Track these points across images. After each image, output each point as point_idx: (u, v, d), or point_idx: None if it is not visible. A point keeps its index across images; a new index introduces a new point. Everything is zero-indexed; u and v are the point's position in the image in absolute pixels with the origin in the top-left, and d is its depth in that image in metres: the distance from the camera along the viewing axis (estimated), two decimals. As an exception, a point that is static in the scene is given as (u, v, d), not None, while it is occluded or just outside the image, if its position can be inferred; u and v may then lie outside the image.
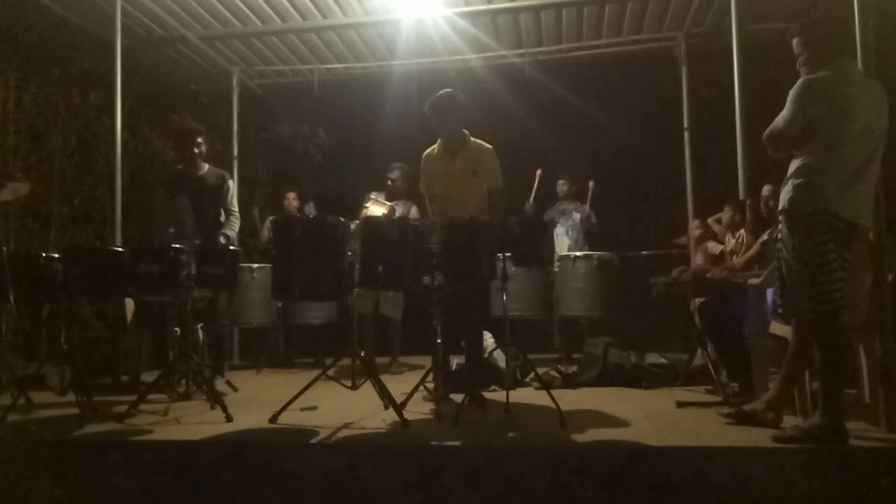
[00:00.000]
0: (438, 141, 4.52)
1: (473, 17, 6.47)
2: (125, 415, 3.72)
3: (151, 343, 5.09)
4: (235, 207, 4.98)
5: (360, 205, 6.19)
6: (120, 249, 4.18)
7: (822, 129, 3.00)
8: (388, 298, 6.01)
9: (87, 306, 5.50)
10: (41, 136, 6.48)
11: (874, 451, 2.86)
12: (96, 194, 6.74)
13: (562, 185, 7.20)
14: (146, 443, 3.27)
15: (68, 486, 3.12)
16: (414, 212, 5.98)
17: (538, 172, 6.99)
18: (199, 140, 4.84)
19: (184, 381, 4.34)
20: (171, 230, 4.60)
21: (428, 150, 4.58)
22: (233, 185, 5.00)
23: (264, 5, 6.25)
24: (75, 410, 3.78)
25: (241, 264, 5.53)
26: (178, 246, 3.97)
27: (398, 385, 4.31)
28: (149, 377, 4.74)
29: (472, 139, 4.46)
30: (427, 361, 4.35)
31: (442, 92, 4.42)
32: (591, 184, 7.16)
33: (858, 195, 3.00)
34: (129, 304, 5.17)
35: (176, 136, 5.02)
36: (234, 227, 4.90)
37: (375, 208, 5.71)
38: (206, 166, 4.95)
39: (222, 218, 4.87)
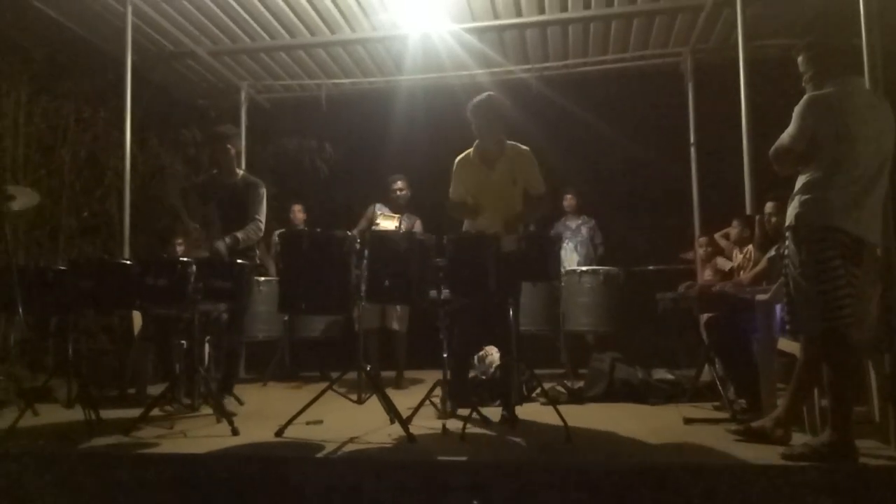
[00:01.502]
0: (474, 146, 4.35)
1: (480, 32, 6.51)
2: (131, 428, 3.71)
3: (158, 356, 5.09)
4: (260, 215, 4.82)
5: (362, 215, 6.22)
6: (127, 262, 4.19)
7: (828, 146, 3.00)
8: (393, 311, 6.01)
9: (94, 319, 5.52)
10: (51, 149, 6.53)
11: (884, 469, 2.84)
12: (105, 207, 6.78)
13: (568, 200, 7.19)
14: (152, 456, 3.27)
15: (74, 498, 3.11)
16: (418, 226, 5.99)
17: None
18: (228, 145, 4.83)
19: (190, 394, 4.34)
20: (194, 225, 4.66)
21: (462, 156, 4.39)
22: (263, 193, 4.88)
23: (273, 21, 6.30)
24: (82, 423, 3.79)
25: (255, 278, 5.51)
26: (185, 259, 3.98)
27: (404, 399, 4.30)
28: (155, 390, 4.75)
29: (510, 142, 4.31)
30: (433, 376, 4.34)
31: (485, 95, 4.28)
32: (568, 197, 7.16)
33: (866, 211, 2.99)
34: (136, 317, 5.19)
35: (209, 141, 5.01)
36: (248, 232, 4.73)
37: (386, 223, 5.72)
38: (240, 172, 4.93)
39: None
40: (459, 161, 4.40)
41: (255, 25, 6.39)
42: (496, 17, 6.30)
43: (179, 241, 5.70)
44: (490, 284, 3.70)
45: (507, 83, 7.51)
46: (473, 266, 3.74)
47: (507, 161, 4.27)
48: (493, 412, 4.07)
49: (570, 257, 6.93)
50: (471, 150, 4.37)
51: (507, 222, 4.18)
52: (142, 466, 3.20)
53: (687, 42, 6.83)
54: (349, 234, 3.80)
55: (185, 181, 6.91)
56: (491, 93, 4.33)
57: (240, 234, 4.66)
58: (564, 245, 6.81)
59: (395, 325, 6.04)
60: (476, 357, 4.91)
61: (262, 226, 4.88)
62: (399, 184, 6.15)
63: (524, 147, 4.30)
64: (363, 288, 3.71)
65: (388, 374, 6.05)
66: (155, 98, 7.07)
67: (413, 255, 3.73)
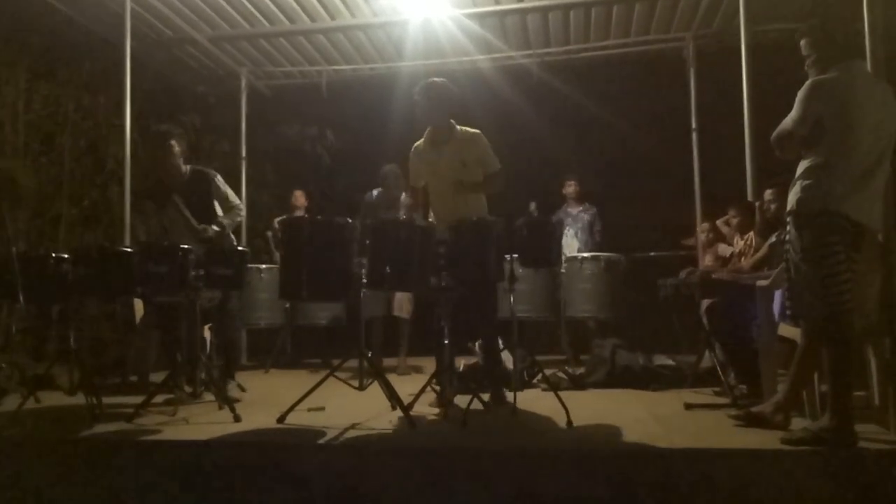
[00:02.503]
0: (426, 132, 4.39)
1: (481, 17, 6.48)
2: (134, 415, 3.73)
3: (160, 343, 5.11)
4: (234, 199, 4.78)
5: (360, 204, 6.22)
6: (128, 250, 4.19)
7: (831, 131, 2.99)
8: (397, 299, 6.02)
9: (95, 307, 5.53)
10: (51, 136, 6.52)
11: (883, 453, 2.85)
12: (106, 195, 6.77)
13: (569, 187, 7.16)
14: (155, 443, 3.28)
15: (77, 485, 3.13)
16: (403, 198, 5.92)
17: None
18: (172, 142, 4.59)
19: (192, 382, 4.35)
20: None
21: (416, 143, 4.45)
22: (220, 181, 4.74)
23: (272, 6, 6.27)
24: (84, 410, 3.81)
25: (250, 265, 5.52)
26: (186, 246, 3.98)
27: (405, 386, 4.31)
28: (157, 377, 4.77)
29: (459, 127, 4.31)
30: (434, 362, 4.35)
31: (433, 80, 4.31)
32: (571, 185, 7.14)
33: (867, 196, 2.98)
34: (138, 305, 5.20)
35: (150, 143, 4.82)
36: (234, 217, 4.71)
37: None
38: (186, 168, 4.70)
39: (219, 214, 4.68)
40: (413, 148, 4.45)
41: (254, 11, 6.35)
42: (497, 2, 6.26)
43: None
44: (490, 271, 3.72)
45: (509, 69, 7.48)
46: (470, 252, 3.75)
47: (455, 144, 4.28)
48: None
49: (571, 244, 6.92)
50: (423, 137, 4.41)
51: (458, 188, 4.21)
52: (144, 453, 3.22)
53: (689, 27, 6.78)
54: (350, 220, 3.79)
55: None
56: (443, 79, 4.34)
57: (224, 220, 4.64)
58: (565, 232, 6.79)
59: (401, 313, 6.05)
60: (477, 344, 4.91)
61: (242, 208, 4.86)
62: (387, 171, 6.14)
63: (474, 130, 4.32)
64: (365, 275, 3.72)
65: (391, 361, 6.07)
66: (155, 85, 7.05)
67: (414, 242, 3.73)
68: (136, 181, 5.83)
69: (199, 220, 4.55)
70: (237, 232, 5.01)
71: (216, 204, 4.69)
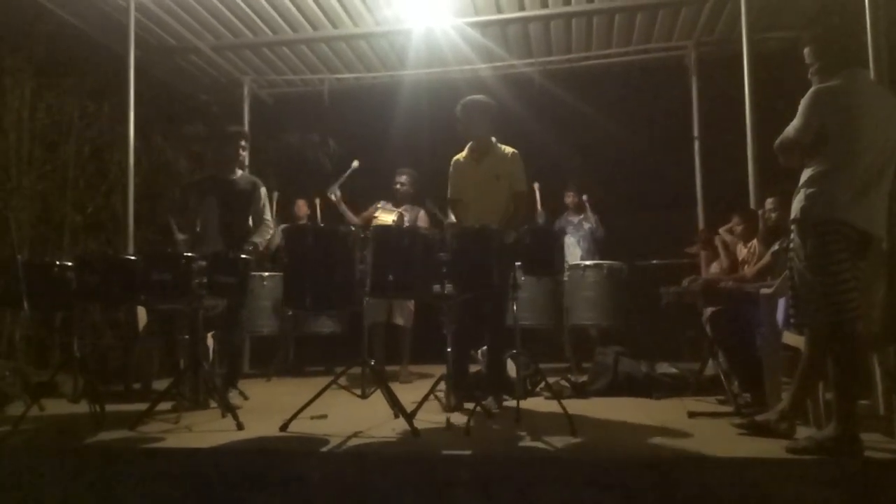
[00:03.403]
0: (467, 146, 4.58)
1: (483, 26, 6.50)
2: (137, 423, 3.72)
3: (163, 351, 5.11)
4: (268, 215, 4.95)
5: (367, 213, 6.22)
6: (132, 257, 4.20)
7: (834, 138, 2.99)
8: (399, 306, 6.02)
9: (99, 314, 5.54)
10: (55, 145, 6.55)
11: (888, 462, 2.84)
12: (109, 203, 6.79)
13: (569, 197, 7.18)
14: (158, 450, 3.28)
15: (80, 493, 3.13)
16: (422, 216, 5.99)
17: (535, 185, 6.97)
18: (242, 143, 4.86)
19: (195, 389, 4.35)
20: (182, 237, 4.64)
21: (456, 157, 4.62)
22: (265, 193, 4.97)
23: (275, 15, 6.30)
24: (87, 418, 3.80)
25: (253, 273, 5.53)
26: (190, 254, 3.99)
27: (408, 394, 4.30)
28: (160, 385, 4.77)
29: (498, 144, 4.53)
30: (438, 370, 4.35)
31: (475, 96, 4.50)
32: (584, 197, 7.13)
33: (871, 204, 2.98)
34: (141, 313, 5.21)
35: (219, 138, 5.01)
36: (264, 235, 4.88)
37: (385, 216, 5.72)
38: (239, 172, 4.95)
39: (250, 223, 4.83)
40: (454, 161, 4.62)
41: (257, 20, 6.39)
42: (499, 11, 6.29)
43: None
44: (493, 278, 3.72)
45: (510, 77, 7.50)
46: (473, 260, 3.75)
47: (493, 158, 4.48)
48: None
49: (573, 252, 6.93)
50: (464, 150, 4.59)
51: (516, 208, 4.41)
52: (147, 461, 3.22)
53: (691, 35, 6.81)
54: (353, 228, 3.80)
55: (188, 177, 6.90)
56: (483, 96, 4.53)
57: (257, 239, 4.78)
58: (567, 240, 6.80)
59: (400, 320, 6.05)
60: (479, 351, 4.91)
61: (272, 226, 4.98)
62: (402, 178, 6.14)
63: (511, 149, 4.53)
64: (368, 283, 3.72)
65: (393, 368, 6.06)
66: (158, 93, 7.08)
67: (417, 249, 3.73)
68: (138, 188, 5.85)
69: (232, 224, 4.71)
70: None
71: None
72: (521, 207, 4.49)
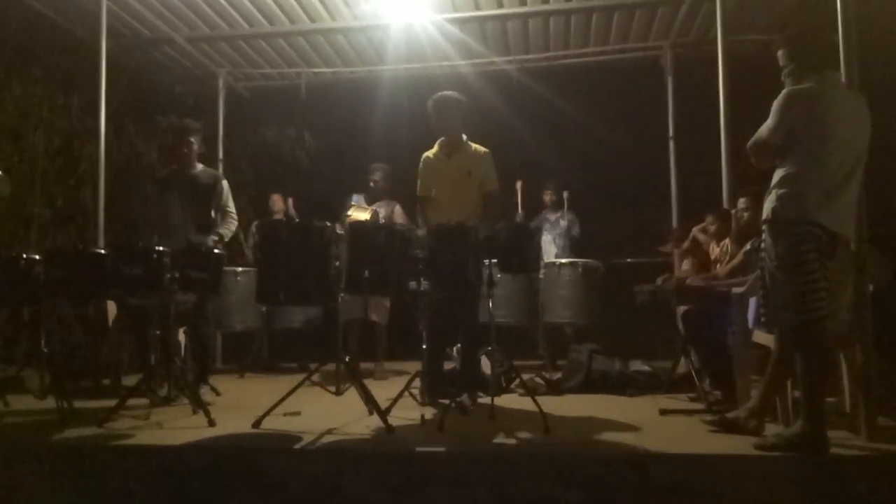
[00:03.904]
0: (437, 143, 4.58)
1: (462, 23, 6.49)
2: (106, 419, 3.66)
3: (133, 346, 5.03)
4: (232, 208, 4.95)
5: (342, 209, 6.19)
6: (102, 252, 4.14)
7: (806, 140, 3.03)
8: (375, 303, 6.00)
9: (68, 309, 5.44)
10: (23, 136, 6.41)
11: (854, 459, 2.89)
12: (79, 196, 6.66)
13: (548, 195, 7.21)
14: (127, 447, 3.24)
15: (47, 492, 3.07)
16: (398, 211, 5.98)
17: (519, 184, 6.99)
18: (192, 139, 4.82)
19: (166, 385, 4.30)
20: (156, 236, 4.59)
21: (426, 153, 4.62)
22: (226, 186, 4.97)
23: (251, 8, 6.23)
24: (55, 414, 3.74)
25: (226, 268, 5.48)
26: (161, 248, 3.93)
27: (383, 390, 4.30)
28: (130, 381, 4.70)
29: (470, 143, 4.53)
30: (413, 367, 4.35)
31: (446, 92, 4.50)
32: (565, 194, 7.16)
33: (841, 205, 3.03)
34: (111, 307, 5.13)
35: (170, 135, 4.98)
36: (230, 227, 4.89)
37: (358, 214, 5.70)
38: (199, 166, 4.92)
39: (213, 217, 4.80)
40: (424, 158, 4.63)
41: (233, 12, 6.31)
42: (478, 7, 6.28)
43: None
44: (470, 275, 3.72)
45: (489, 74, 7.51)
46: (450, 257, 3.75)
47: (463, 153, 4.50)
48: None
49: (549, 249, 6.96)
50: (434, 147, 4.60)
51: (487, 208, 4.43)
52: (116, 458, 3.17)
53: (667, 36, 6.86)
54: (328, 224, 3.77)
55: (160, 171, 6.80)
56: (454, 92, 4.53)
57: (223, 231, 4.79)
58: (543, 237, 6.83)
59: (376, 317, 6.03)
60: (455, 349, 4.91)
61: (236, 217, 4.96)
62: (376, 175, 6.12)
63: (484, 148, 4.54)
64: (343, 279, 3.70)
65: (368, 365, 6.04)
66: (131, 85, 6.96)
67: (393, 246, 3.72)
68: (109, 182, 5.76)
69: (196, 219, 4.69)
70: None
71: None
72: (491, 206, 4.48)
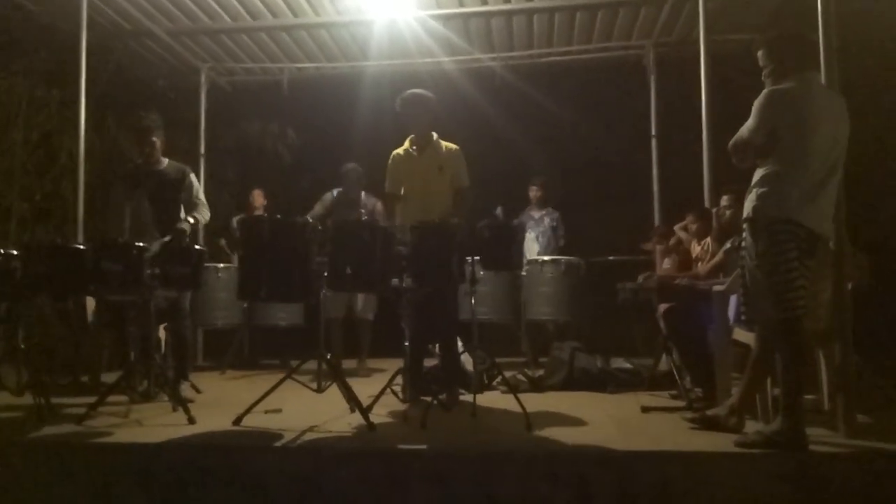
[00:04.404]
0: (407, 140, 4.59)
1: (445, 19, 6.48)
2: (84, 416, 3.62)
3: (112, 343, 4.98)
4: (202, 198, 4.89)
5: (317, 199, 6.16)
6: (81, 247, 4.09)
7: (786, 139, 3.06)
8: (361, 300, 5.99)
9: (47, 305, 5.38)
10: (2, 130, 6.31)
11: (833, 455, 2.93)
12: (59, 190, 6.58)
13: (534, 192, 7.19)
14: (106, 445, 3.20)
15: (24, 490, 3.04)
16: (379, 208, 5.94)
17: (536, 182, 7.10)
18: (154, 138, 4.75)
19: (145, 382, 4.26)
20: (126, 227, 4.56)
21: (396, 150, 4.64)
22: (194, 179, 4.92)
23: (234, 2, 6.18)
24: (32, 411, 3.69)
25: (207, 264, 5.44)
26: (141, 244, 3.89)
27: (365, 388, 4.29)
28: (109, 378, 4.65)
29: (440, 140, 4.55)
30: (395, 364, 4.34)
31: (413, 90, 4.51)
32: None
33: (820, 205, 3.06)
34: (91, 303, 5.07)
35: (134, 133, 4.93)
36: (203, 213, 4.82)
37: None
38: (165, 161, 4.86)
39: (182, 214, 4.76)
40: (393, 155, 4.65)
41: (215, 6, 6.25)
42: (461, 4, 6.28)
43: None
44: (453, 273, 3.72)
45: (473, 71, 7.51)
46: (433, 254, 3.75)
47: (434, 150, 4.53)
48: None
49: (531, 247, 6.96)
50: (404, 145, 4.62)
51: (457, 204, 4.45)
52: (95, 456, 3.14)
53: (650, 35, 6.90)
54: (309, 220, 3.76)
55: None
56: (421, 89, 4.55)
57: (197, 215, 4.73)
58: (527, 234, 6.83)
59: (362, 313, 6.02)
60: (437, 346, 4.91)
61: (207, 207, 4.91)
62: (350, 176, 6.09)
63: (454, 146, 4.57)
64: (325, 275, 3.69)
65: (352, 362, 6.02)
66: (113, 79, 6.88)
67: (375, 243, 3.71)
68: (89, 176, 5.70)
69: (164, 214, 4.64)
70: (194, 231, 4.97)
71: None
72: (461, 203, 4.49)
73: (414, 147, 4.57)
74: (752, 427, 3.24)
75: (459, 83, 7.59)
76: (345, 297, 5.88)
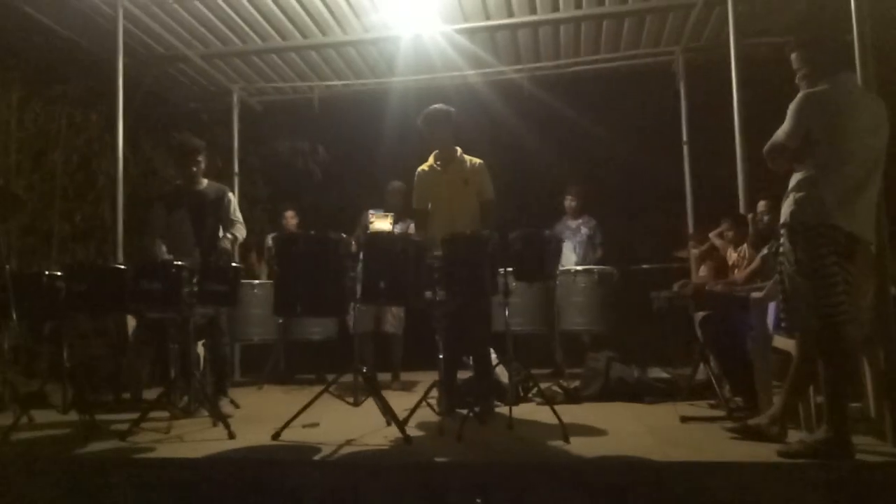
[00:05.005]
0: (431, 155, 4.65)
1: (471, 33, 6.51)
2: (127, 433, 3.70)
3: (153, 360, 5.07)
4: (239, 217, 4.97)
5: (356, 222, 6.20)
6: (121, 266, 4.18)
7: (823, 143, 3.01)
8: (389, 314, 6.01)
9: (88, 323, 5.50)
10: (43, 154, 6.50)
11: (880, 465, 2.86)
12: (98, 211, 6.75)
13: (569, 201, 7.08)
14: (149, 461, 3.26)
15: (70, 505, 3.10)
16: (412, 229, 5.96)
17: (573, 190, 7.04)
18: (200, 158, 4.87)
19: (185, 398, 4.33)
20: (164, 247, 4.65)
21: (420, 167, 4.70)
22: (233, 198, 5.02)
23: (264, 23, 6.29)
24: (78, 428, 3.77)
25: (243, 281, 5.51)
26: (179, 263, 3.97)
27: (400, 401, 4.30)
28: (150, 394, 4.73)
29: (464, 155, 4.60)
30: (429, 377, 4.35)
31: (434, 106, 4.57)
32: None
33: (859, 208, 3.00)
34: (131, 321, 5.17)
35: (177, 153, 5.05)
36: (239, 231, 4.89)
37: (380, 223, 5.69)
38: (205, 182, 4.97)
39: (221, 233, 4.85)
40: (419, 171, 4.70)
41: (245, 28, 6.37)
42: (487, 17, 6.30)
43: None
44: (486, 285, 3.72)
45: (499, 84, 7.53)
46: (466, 266, 3.76)
47: (458, 164, 4.57)
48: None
49: (569, 257, 6.87)
50: (429, 160, 4.67)
51: (484, 217, 4.50)
52: (139, 471, 3.19)
53: (678, 41, 6.85)
54: (343, 236, 3.80)
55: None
56: (442, 104, 4.59)
57: (236, 233, 4.82)
58: (564, 244, 6.74)
59: (390, 328, 6.04)
60: (471, 358, 4.90)
61: (243, 224, 4.99)
62: (395, 195, 6.11)
63: (478, 160, 4.62)
64: (358, 289, 3.72)
65: (384, 375, 6.04)
66: (147, 101, 7.05)
67: (408, 256, 3.73)
68: (126, 197, 5.83)
69: (204, 233, 4.74)
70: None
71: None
72: (488, 216, 4.52)
73: (438, 162, 4.61)
74: (795, 436, 3.18)
75: (486, 96, 7.61)
76: (373, 311, 5.91)
